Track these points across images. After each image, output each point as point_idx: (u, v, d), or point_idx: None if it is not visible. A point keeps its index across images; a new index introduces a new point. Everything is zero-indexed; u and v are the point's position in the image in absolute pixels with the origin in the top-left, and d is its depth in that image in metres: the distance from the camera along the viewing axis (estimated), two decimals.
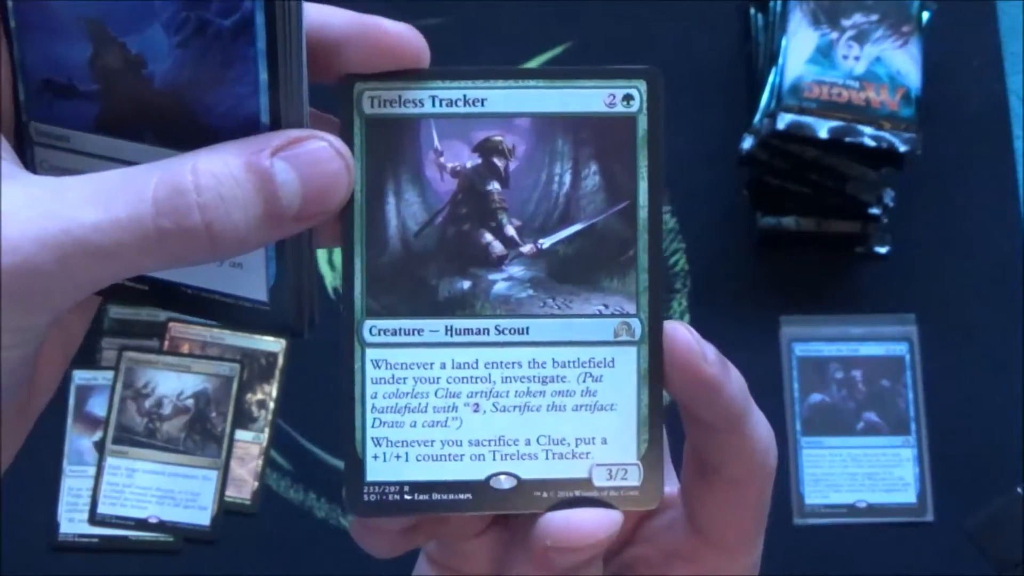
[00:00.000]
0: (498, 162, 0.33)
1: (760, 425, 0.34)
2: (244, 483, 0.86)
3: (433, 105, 0.33)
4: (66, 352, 0.34)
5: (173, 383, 0.87)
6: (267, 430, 0.87)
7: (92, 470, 0.85)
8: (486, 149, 0.33)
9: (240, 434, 0.86)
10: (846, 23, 0.85)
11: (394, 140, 0.33)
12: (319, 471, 0.86)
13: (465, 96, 0.33)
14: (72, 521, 0.85)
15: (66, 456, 0.86)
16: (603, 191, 0.33)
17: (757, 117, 0.85)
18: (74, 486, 0.85)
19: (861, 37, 0.85)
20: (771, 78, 0.85)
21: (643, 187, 0.33)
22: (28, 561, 0.84)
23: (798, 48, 0.85)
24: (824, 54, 0.84)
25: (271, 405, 0.87)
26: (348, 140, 0.32)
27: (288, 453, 0.86)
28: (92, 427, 0.86)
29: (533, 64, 0.93)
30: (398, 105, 0.33)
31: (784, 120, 0.82)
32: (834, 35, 0.85)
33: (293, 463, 0.86)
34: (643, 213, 0.33)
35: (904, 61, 0.84)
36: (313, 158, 0.30)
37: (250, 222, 0.29)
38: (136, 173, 0.29)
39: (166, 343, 0.88)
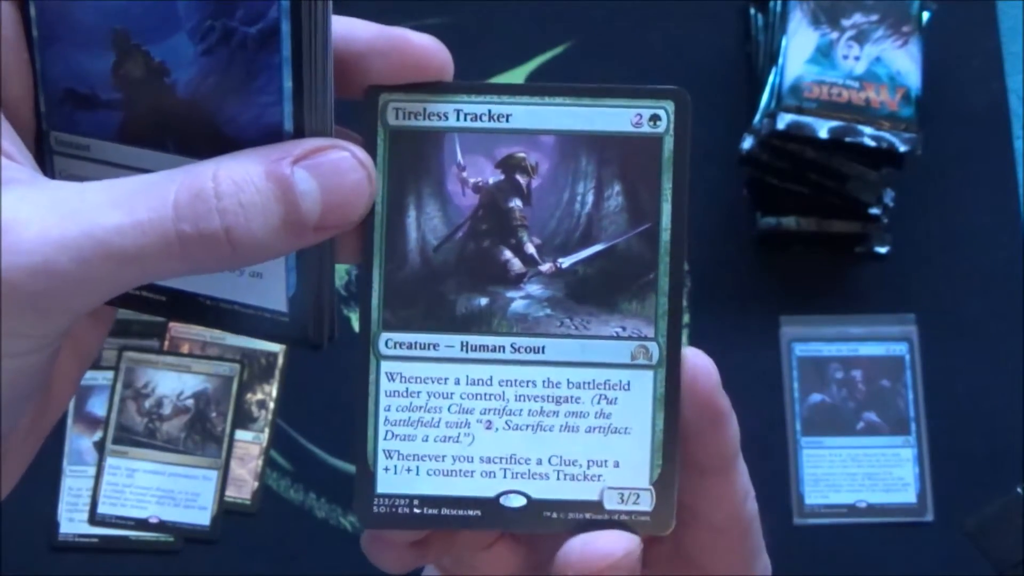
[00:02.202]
0: (521, 179, 0.33)
1: (743, 473, 0.35)
2: (244, 483, 0.86)
3: (458, 119, 0.32)
4: (81, 367, 0.34)
5: (173, 383, 0.86)
6: (267, 430, 0.86)
7: (92, 470, 0.85)
8: (509, 165, 0.33)
9: (240, 434, 0.86)
10: (846, 23, 0.85)
11: (417, 153, 0.32)
12: (319, 471, 0.86)
13: (490, 111, 0.32)
14: (72, 521, 0.84)
15: (66, 456, 0.85)
16: (625, 212, 0.33)
17: (757, 117, 0.85)
18: (74, 486, 0.85)
19: (861, 37, 0.84)
20: (771, 78, 0.85)
21: (666, 209, 0.33)
22: (28, 561, 0.83)
23: (798, 48, 0.85)
24: (824, 54, 0.84)
25: (271, 405, 0.87)
26: (371, 151, 0.32)
27: (288, 453, 0.86)
28: (92, 427, 0.86)
29: (533, 65, 0.93)
30: (423, 118, 0.32)
31: (784, 120, 0.82)
32: (834, 35, 0.85)
33: (293, 463, 0.86)
34: (665, 236, 0.33)
35: (904, 61, 0.84)
36: (335, 168, 0.30)
37: (269, 230, 0.29)
38: (158, 178, 0.29)
39: (166, 343, 0.87)
